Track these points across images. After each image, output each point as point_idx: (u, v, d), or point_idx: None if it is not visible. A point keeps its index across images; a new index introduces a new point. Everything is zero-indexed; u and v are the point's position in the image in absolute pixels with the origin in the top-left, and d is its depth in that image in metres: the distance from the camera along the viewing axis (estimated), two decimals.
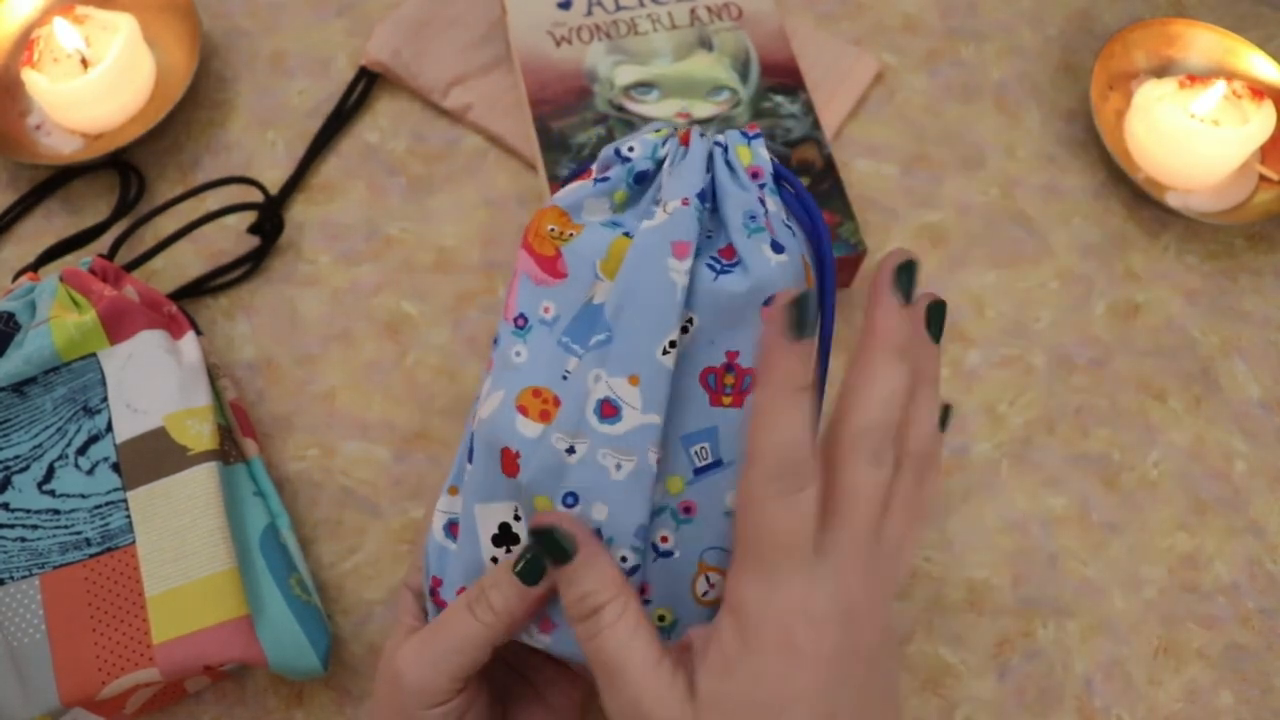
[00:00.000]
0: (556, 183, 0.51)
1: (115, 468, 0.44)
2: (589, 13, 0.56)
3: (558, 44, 0.55)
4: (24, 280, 0.48)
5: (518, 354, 0.34)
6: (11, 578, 0.42)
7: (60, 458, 0.44)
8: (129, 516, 0.43)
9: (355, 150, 0.57)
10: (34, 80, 0.53)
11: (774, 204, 0.35)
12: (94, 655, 0.40)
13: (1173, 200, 0.56)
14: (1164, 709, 0.46)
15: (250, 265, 0.53)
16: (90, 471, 0.44)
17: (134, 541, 0.42)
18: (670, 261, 0.32)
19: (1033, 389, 0.52)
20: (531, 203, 0.56)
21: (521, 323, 0.34)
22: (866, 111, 0.59)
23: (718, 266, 0.33)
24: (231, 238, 0.55)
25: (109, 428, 0.44)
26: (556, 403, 0.33)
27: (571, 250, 0.34)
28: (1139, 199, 0.57)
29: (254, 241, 0.54)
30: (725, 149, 0.35)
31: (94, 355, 0.46)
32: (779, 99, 0.54)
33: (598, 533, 0.32)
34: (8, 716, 0.40)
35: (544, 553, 0.32)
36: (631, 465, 0.32)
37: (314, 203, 0.56)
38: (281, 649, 0.42)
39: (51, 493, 0.43)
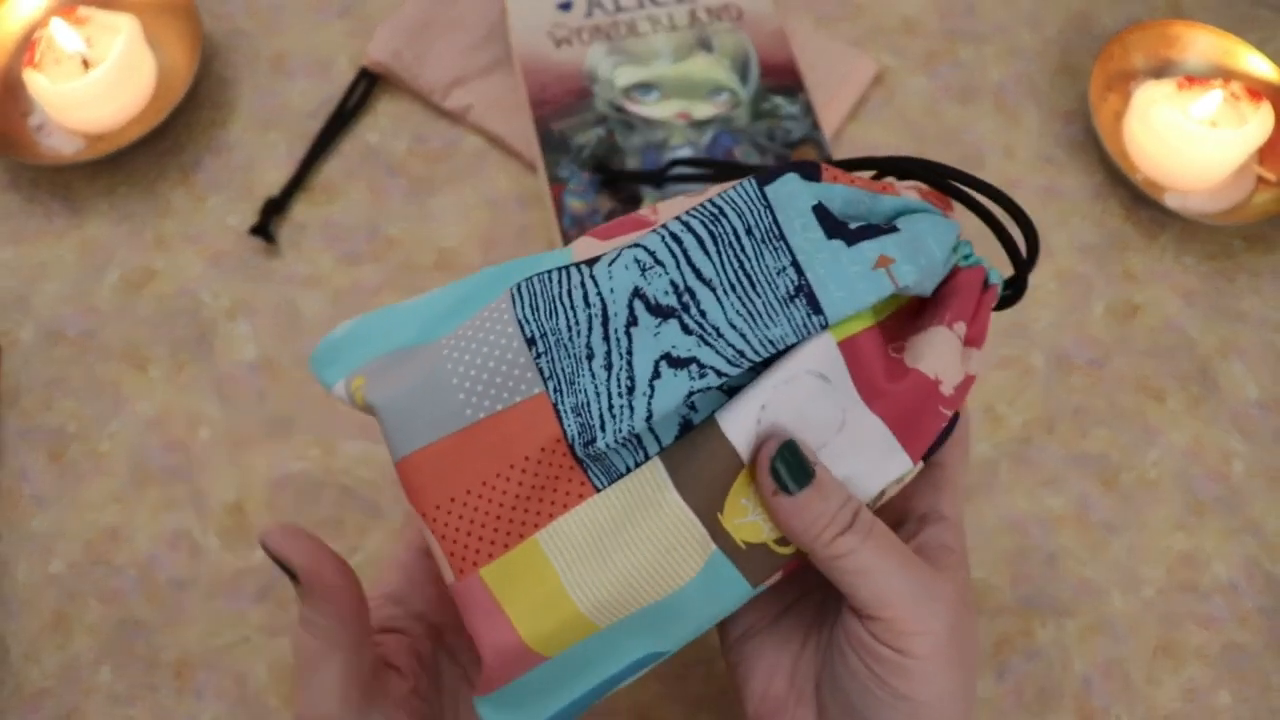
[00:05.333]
0: (557, 184, 0.51)
1: None
2: (589, 14, 0.56)
3: (558, 45, 0.55)
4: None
5: None
6: None
7: None
8: None
9: (356, 151, 0.57)
10: (35, 81, 0.53)
11: None
12: None
13: (1171, 201, 0.56)
14: (1163, 708, 0.46)
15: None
16: None
17: None
18: None
19: (1031, 389, 0.52)
20: (532, 203, 0.56)
21: None
22: (866, 113, 0.59)
23: None
24: (231, 238, 0.55)
25: None
26: None
27: None
28: (1137, 200, 0.57)
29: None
30: None
31: None
32: (778, 100, 0.54)
33: None
34: None
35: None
36: None
37: (315, 203, 0.56)
38: None
39: None
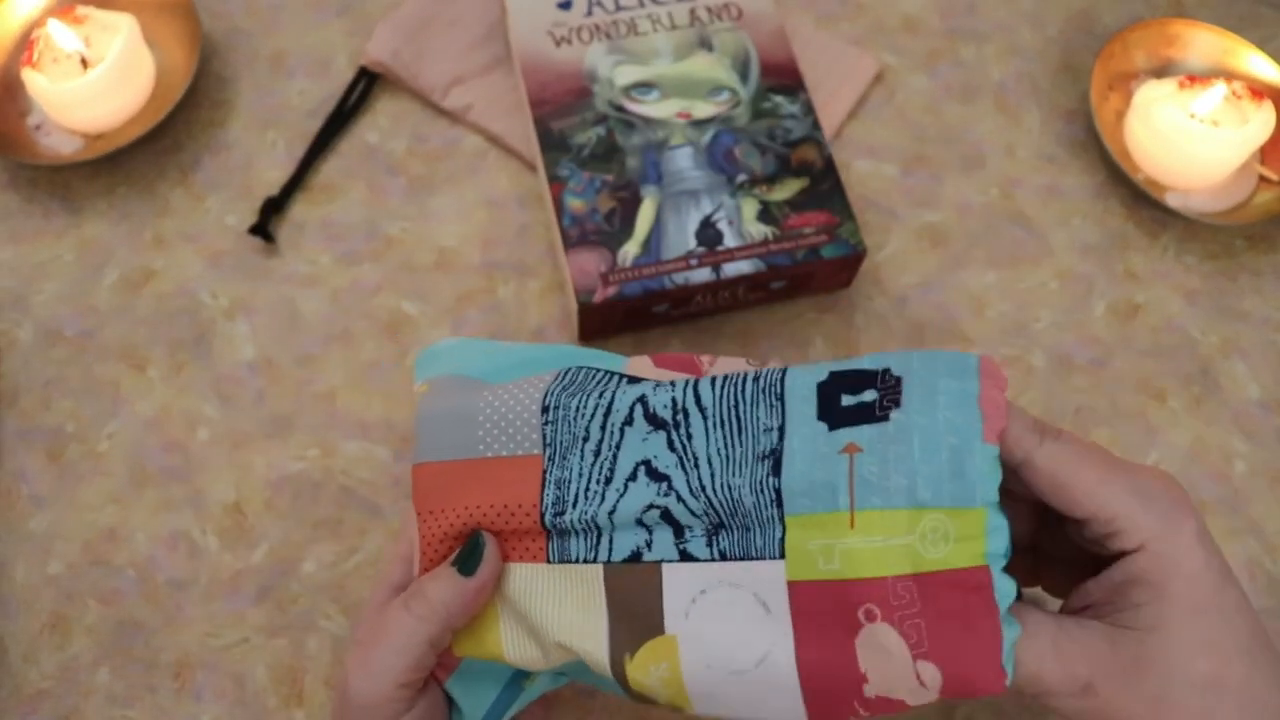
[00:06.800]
0: (557, 183, 0.51)
1: None
2: (589, 13, 0.56)
3: (558, 44, 0.55)
4: None
5: None
6: None
7: None
8: None
9: (355, 150, 0.57)
10: (34, 80, 0.53)
11: None
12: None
13: (1172, 200, 0.56)
14: None
15: None
16: None
17: None
18: None
19: (1033, 389, 0.52)
20: (531, 203, 0.56)
21: None
22: (866, 112, 0.59)
23: None
24: (230, 238, 0.55)
25: None
26: None
27: None
28: (1139, 199, 0.57)
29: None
30: None
31: None
32: (779, 99, 0.54)
33: None
34: None
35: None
36: None
37: (314, 203, 0.56)
38: None
39: None
